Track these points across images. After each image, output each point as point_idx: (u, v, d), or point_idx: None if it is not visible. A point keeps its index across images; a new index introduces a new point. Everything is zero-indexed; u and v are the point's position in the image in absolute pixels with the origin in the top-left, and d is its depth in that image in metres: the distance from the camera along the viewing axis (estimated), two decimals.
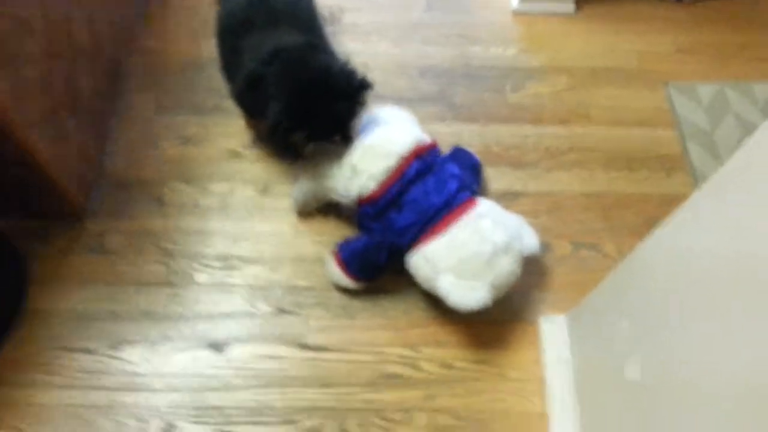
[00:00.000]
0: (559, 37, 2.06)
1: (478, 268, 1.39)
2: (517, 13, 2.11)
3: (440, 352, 1.52)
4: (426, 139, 1.55)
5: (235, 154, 1.81)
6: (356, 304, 1.58)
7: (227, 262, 1.64)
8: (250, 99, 1.54)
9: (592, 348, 1.36)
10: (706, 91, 1.92)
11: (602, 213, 1.72)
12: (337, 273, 1.55)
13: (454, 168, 1.53)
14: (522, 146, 1.83)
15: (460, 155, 1.66)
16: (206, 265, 1.64)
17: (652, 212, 1.71)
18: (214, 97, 1.91)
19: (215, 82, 1.92)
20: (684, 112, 1.88)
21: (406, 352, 1.52)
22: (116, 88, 1.91)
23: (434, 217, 1.45)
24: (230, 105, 1.85)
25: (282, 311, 1.57)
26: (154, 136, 1.84)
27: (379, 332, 1.55)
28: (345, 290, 1.59)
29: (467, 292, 1.38)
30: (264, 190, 1.75)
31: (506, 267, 1.41)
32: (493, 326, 1.56)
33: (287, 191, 1.73)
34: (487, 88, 1.95)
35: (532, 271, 1.61)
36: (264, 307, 1.58)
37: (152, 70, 1.97)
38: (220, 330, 1.55)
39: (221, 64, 1.67)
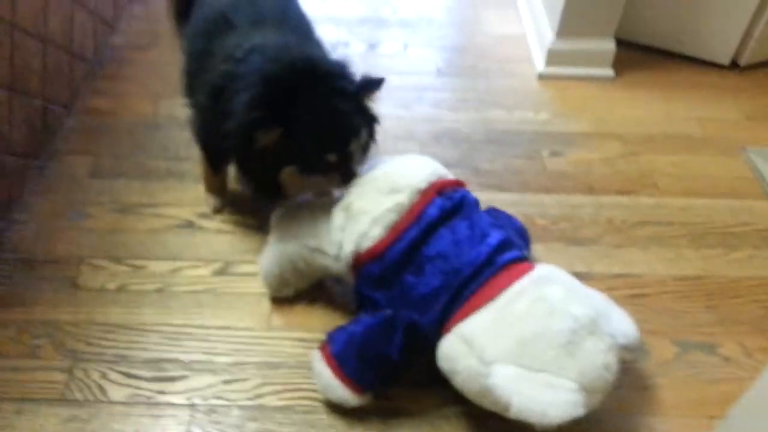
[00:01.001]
0: (600, 102, 1.70)
1: (552, 357, 0.87)
2: (544, 78, 1.77)
3: None
4: (450, 175, 1.09)
5: (187, 225, 1.32)
6: (359, 430, 1.01)
7: (161, 370, 1.08)
8: (215, 121, 1.07)
9: None
10: None
11: (706, 302, 1.22)
12: (326, 378, 1.00)
13: (492, 220, 1.05)
14: (574, 218, 1.37)
15: (497, 215, 1.18)
16: (128, 375, 1.07)
17: None
18: (168, 160, 1.46)
19: (171, 143, 1.50)
20: None
21: None
22: (44, 147, 1.45)
23: (472, 280, 0.95)
24: (188, 168, 1.41)
25: None
26: (81, 203, 1.35)
27: None
28: (341, 409, 1.02)
29: (543, 393, 0.84)
30: (222, 270, 1.24)
31: (596, 355, 0.88)
32: None
33: (254, 270, 1.22)
34: (517, 154, 1.53)
35: (627, 385, 1.07)
36: None
37: (96, 130, 1.54)
38: None
39: (184, 81, 1.23)
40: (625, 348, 0.95)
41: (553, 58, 1.76)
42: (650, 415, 1.05)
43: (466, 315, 0.93)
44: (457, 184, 1.08)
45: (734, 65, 1.82)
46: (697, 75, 1.80)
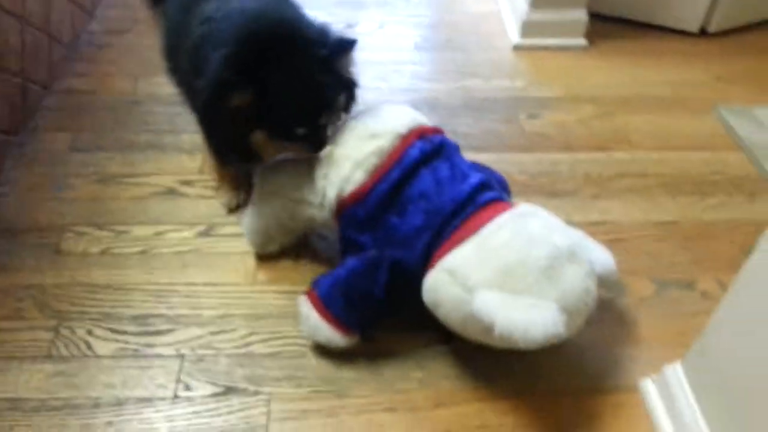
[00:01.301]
0: (574, 69, 1.74)
1: (533, 281, 0.87)
2: (519, 48, 1.80)
3: None
4: (428, 123, 1.11)
5: (169, 192, 1.32)
6: (345, 374, 1.02)
7: (147, 325, 1.08)
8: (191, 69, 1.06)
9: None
10: (765, 113, 1.57)
11: (682, 244, 1.25)
12: (313, 319, 1.01)
13: (472, 164, 1.07)
14: (553, 174, 1.40)
15: (477, 166, 1.20)
16: (114, 330, 1.07)
17: (747, 241, 1.24)
18: (149, 133, 1.47)
19: (151, 118, 1.50)
20: (748, 134, 1.50)
21: None
22: (24, 125, 1.45)
23: (454, 217, 0.97)
24: (170, 141, 1.42)
25: (230, 391, 0.99)
26: (63, 175, 1.35)
27: (387, 416, 0.97)
28: (329, 353, 1.03)
29: (525, 312, 0.84)
30: (206, 232, 1.24)
31: (576, 280, 0.89)
32: (568, 398, 1.00)
33: (239, 231, 1.23)
34: (496, 118, 1.56)
35: (608, 320, 1.09)
36: (202, 387, 1.00)
37: (75, 108, 1.54)
38: (131, 426, 0.95)
39: (166, 58, 1.21)
40: (603, 278, 0.96)
41: (527, 29, 1.79)
42: (632, 347, 1.07)
43: (449, 250, 0.94)
44: (436, 131, 1.10)
45: (703, 33, 1.87)
46: (667, 42, 1.84)
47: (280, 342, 1.06)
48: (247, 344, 1.06)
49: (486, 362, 1.01)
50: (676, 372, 0.94)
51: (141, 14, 1.86)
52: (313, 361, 1.03)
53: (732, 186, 1.37)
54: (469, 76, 1.70)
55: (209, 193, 1.32)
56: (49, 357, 1.03)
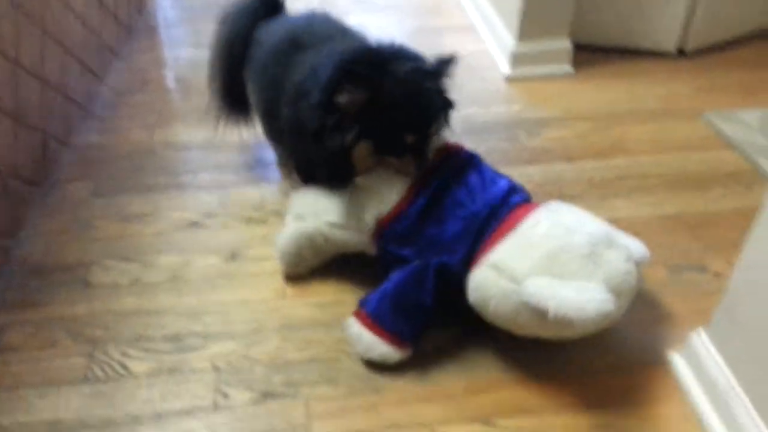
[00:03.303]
0: (565, 93, 1.83)
1: (579, 266, 0.91)
2: (510, 80, 1.90)
3: (530, 422, 0.95)
4: (450, 140, 1.17)
5: (192, 224, 1.37)
6: (379, 372, 1.03)
7: (182, 342, 1.10)
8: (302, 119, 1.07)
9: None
10: (750, 116, 1.65)
11: (690, 233, 1.29)
12: (366, 338, 1.02)
13: (497, 172, 1.13)
14: (559, 181, 1.46)
15: (501, 174, 1.24)
16: (148, 350, 1.09)
17: (751, 225, 1.29)
18: (168, 176, 1.52)
19: (170, 164, 1.57)
20: (736, 134, 1.58)
21: (476, 428, 0.95)
22: (46, 177, 1.51)
23: (490, 219, 1.01)
24: (189, 180, 1.48)
25: (268, 396, 1.01)
26: (87, 219, 1.40)
27: (424, 406, 0.98)
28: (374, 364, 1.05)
29: (577, 293, 0.87)
30: (231, 257, 1.28)
31: (618, 263, 0.93)
32: (600, 377, 1.02)
33: (265, 255, 1.27)
34: (498, 138, 1.63)
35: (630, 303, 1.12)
36: (240, 394, 1.01)
37: (94, 161, 1.60)
38: None
39: (263, 119, 1.30)
40: (638, 263, 0.99)
41: (516, 60, 1.90)
42: (655, 326, 1.10)
43: (490, 248, 0.98)
44: (461, 147, 1.15)
45: (681, 53, 1.98)
46: (649, 64, 1.95)
47: (313, 349, 1.08)
48: (282, 353, 1.08)
49: (518, 350, 1.03)
50: (701, 339, 0.97)
51: (148, 76, 1.97)
52: (347, 363, 1.05)
53: (730, 179, 1.43)
54: (468, 105, 1.78)
55: (232, 222, 1.37)
56: (85, 380, 1.04)
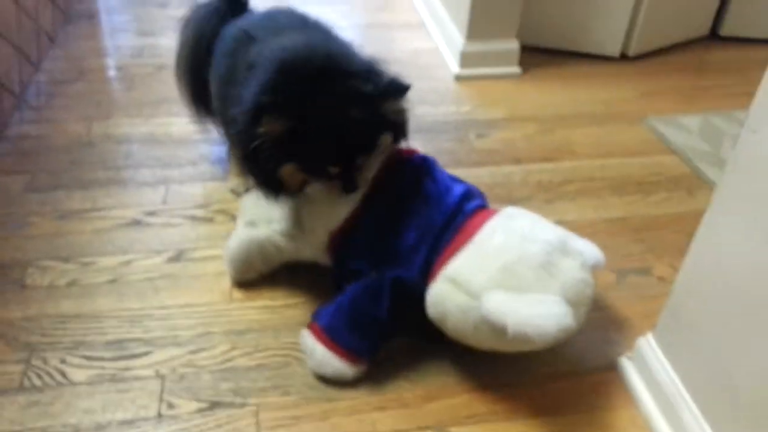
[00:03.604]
0: (513, 94, 1.85)
1: (534, 277, 0.90)
2: (460, 78, 1.91)
3: (483, 429, 0.96)
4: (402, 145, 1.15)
5: (133, 222, 1.32)
6: (332, 379, 1.02)
7: (123, 349, 1.06)
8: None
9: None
10: (690, 121, 1.71)
11: (634, 236, 1.33)
12: (319, 353, 0.99)
13: (451, 176, 1.12)
14: (507, 184, 1.47)
15: (456, 178, 1.22)
16: (89, 357, 1.04)
17: (693, 229, 1.34)
18: (108, 170, 1.46)
19: (109, 157, 1.50)
20: (678, 139, 1.63)
21: None
22: None
23: (446, 229, 1.00)
24: (130, 175, 1.42)
25: (216, 405, 0.98)
26: (22, 215, 1.32)
27: (378, 414, 0.98)
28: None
29: (534, 308, 0.87)
30: (176, 258, 1.24)
31: (573, 272, 0.93)
32: (551, 384, 1.03)
33: (210, 255, 1.23)
34: (448, 139, 1.64)
35: None
36: (186, 404, 0.98)
37: (30, 153, 1.52)
38: None
39: (218, 110, 1.21)
40: (595, 267, 0.99)
41: (465, 60, 1.91)
42: (603, 331, 1.12)
43: (446, 260, 0.96)
44: (414, 151, 1.12)
45: (624, 57, 2.03)
46: (593, 67, 1.99)
47: (263, 354, 1.06)
48: (230, 359, 1.05)
49: (471, 358, 1.03)
50: (649, 343, 1.00)
51: (86, 64, 1.89)
52: (299, 370, 1.03)
53: (671, 184, 1.49)
54: (418, 104, 1.75)
55: (176, 221, 1.32)
56: (21, 389, 0.99)
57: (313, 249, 1.08)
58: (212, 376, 1.02)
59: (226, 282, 1.19)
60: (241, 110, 0.95)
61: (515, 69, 1.94)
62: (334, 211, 1.03)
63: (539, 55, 2.01)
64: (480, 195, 1.11)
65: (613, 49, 2.02)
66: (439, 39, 2.10)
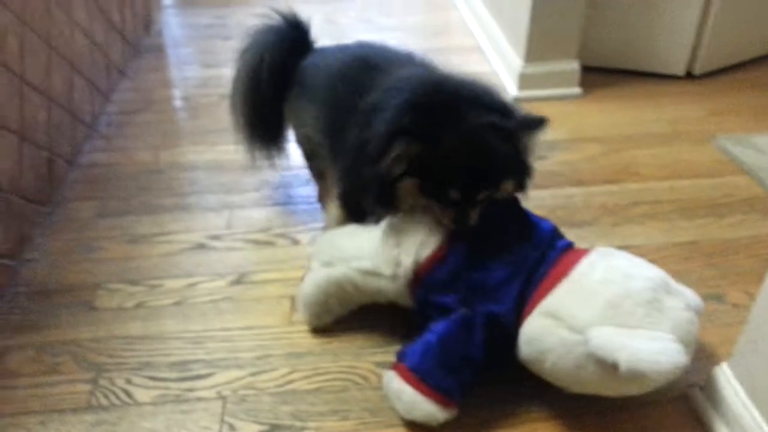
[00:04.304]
0: (574, 115, 1.82)
1: (643, 314, 0.84)
2: (519, 100, 1.88)
3: None
4: None
5: (198, 246, 1.35)
6: (390, 405, 1.00)
7: (186, 371, 1.07)
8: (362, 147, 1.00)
9: None
10: (762, 140, 1.64)
11: (706, 261, 1.27)
12: (408, 395, 0.93)
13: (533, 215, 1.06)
14: (569, 206, 1.44)
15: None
16: (154, 378, 1.06)
17: None
18: (174, 197, 1.51)
19: (176, 183, 1.55)
20: (750, 159, 1.56)
21: None
22: (51, 196, 1.49)
23: (540, 263, 0.95)
24: (195, 201, 1.46)
25: (276, 428, 0.98)
26: (92, 239, 1.38)
27: None
28: (373, 386, 1.02)
29: (647, 344, 0.81)
30: (238, 281, 1.26)
31: (680, 311, 0.87)
32: (618, 416, 0.99)
33: (271, 278, 1.25)
34: None
35: None
36: (246, 426, 0.98)
37: (100, 180, 1.58)
38: None
39: (324, 139, 1.20)
40: (695, 310, 0.93)
41: (524, 82, 1.89)
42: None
43: (543, 295, 0.91)
44: None
45: (689, 76, 1.97)
46: (658, 86, 1.94)
47: (322, 378, 1.05)
48: (289, 382, 1.05)
49: (534, 387, 0.97)
50: (724, 373, 0.94)
51: (154, 96, 1.96)
52: (357, 394, 1.02)
53: (745, 205, 1.41)
54: None
55: (238, 245, 1.35)
56: (89, 408, 1.02)
57: (396, 285, 1.01)
58: (272, 399, 1.02)
59: (287, 305, 1.19)
60: (375, 133, 0.94)
61: (576, 90, 1.90)
62: (422, 241, 0.99)
63: (601, 76, 1.97)
64: (566, 237, 1.05)
65: (678, 67, 1.96)
66: (496, 61, 2.09)
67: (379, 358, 1.07)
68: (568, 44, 1.86)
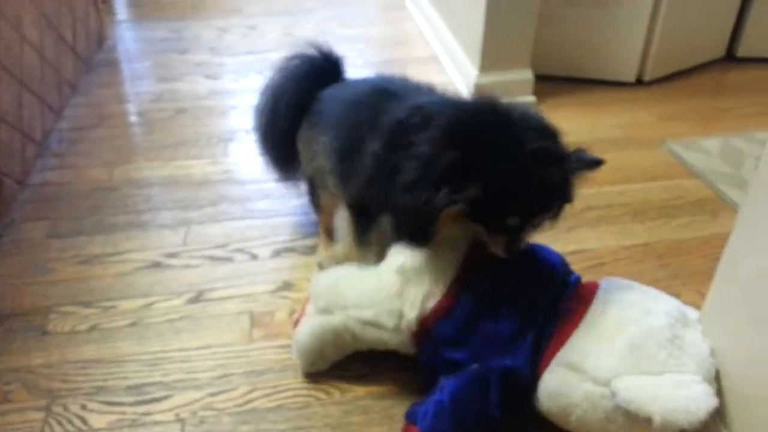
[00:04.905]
0: None
1: (666, 355, 0.83)
2: None
3: None
4: None
5: (154, 264, 1.32)
6: (354, 418, 1.01)
7: (143, 394, 1.05)
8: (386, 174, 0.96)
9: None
10: (710, 143, 1.69)
11: (658, 262, 1.30)
12: None
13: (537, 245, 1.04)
14: None
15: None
16: (109, 403, 1.04)
17: (718, 253, 1.30)
18: (128, 214, 1.48)
19: (130, 201, 1.52)
20: (698, 162, 1.61)
21: None
22: (0, 219, 1.45)
23: (551, 312, 0.92)
24: (150, 218, 1.43)
25: None
26: (44, 261, 1.34)
27: None
28: (335, 401, 1.02)
29: (677, 392, 0.79)
30: (195, 299, 1.24)
31: (700, 345, 0.86)
32: None
33: (229, 294, 1.23)
34: None
35: None
36: None
37: (51, 199, 1.54)
38: None
39: (335, 163, 1.14)
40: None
41: (479, 91, 1.91)
42: None
43: (559, 345, 0.88)
44: None
45: (639, 82, 2.02)
46: (610, 93, 1.98)
47: (283, 395, 1.04)
48: (249, 401, 1.04)
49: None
50: None
51: (107, 111, 1.93)
52: (319, 410, 1.02)
53: (694, 207, 1.46)
54: None
55: (195, 261, 1.33)
56: None
57: (399, 337, 0.97)
58: (232, 419, 1.01)
59: (246, 321, 1.18)
60: (416, 165, 0.89)
61: (530, 98, 1.94)
62: (433, 291, 0.95)
63: (554, 84, 2.01)
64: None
65: (629, 74, 2.01)
66: (453, 72, 2.12)
67: (341, 372, 1.07)
68: (522, 54, 1.90)
